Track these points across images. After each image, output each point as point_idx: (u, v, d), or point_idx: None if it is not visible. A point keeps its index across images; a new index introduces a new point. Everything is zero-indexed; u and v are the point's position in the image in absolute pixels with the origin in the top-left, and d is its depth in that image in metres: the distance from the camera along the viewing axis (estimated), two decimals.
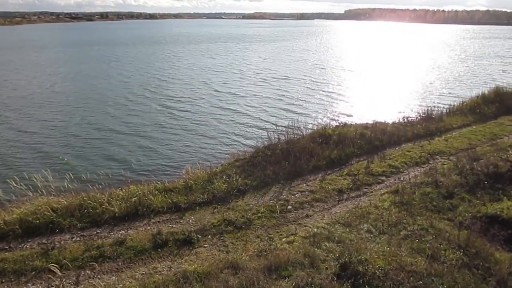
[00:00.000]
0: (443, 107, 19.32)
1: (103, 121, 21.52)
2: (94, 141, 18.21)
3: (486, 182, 10.19)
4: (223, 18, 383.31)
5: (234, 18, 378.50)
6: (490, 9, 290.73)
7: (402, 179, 11.09)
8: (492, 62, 49.58)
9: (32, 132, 19.51)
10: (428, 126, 15.83)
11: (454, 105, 19.37)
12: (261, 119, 22.02)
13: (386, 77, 37.77)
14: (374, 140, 13.95)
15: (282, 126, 14.84)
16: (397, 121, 16.43)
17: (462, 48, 70.84)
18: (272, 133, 13.60)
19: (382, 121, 16.16)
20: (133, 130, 19.91)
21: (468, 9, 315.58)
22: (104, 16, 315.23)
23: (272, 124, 19.99)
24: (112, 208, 9.09)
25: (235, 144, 17.62)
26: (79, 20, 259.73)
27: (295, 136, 13.49)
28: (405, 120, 16.55)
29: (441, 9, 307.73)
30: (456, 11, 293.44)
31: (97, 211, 9.01)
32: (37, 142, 18.07)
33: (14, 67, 43.65)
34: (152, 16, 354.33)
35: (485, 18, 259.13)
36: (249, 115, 22.96)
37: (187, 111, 24.06)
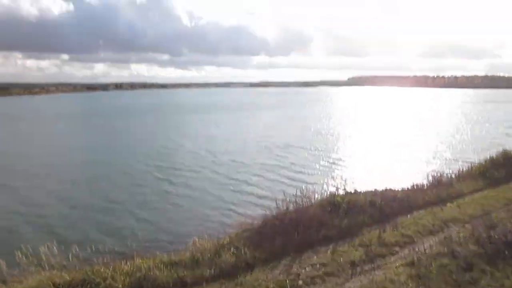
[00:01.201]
0: (452, 172, 19.11)
1: (107, 193, 21.39)
2: (99, 212, 18.00)
3: (506, 252, 9.73)
4: (231, 87, 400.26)
5: (241, 87, 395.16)
6: (489, 74, 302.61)
7: (417, 249, 10.65)
8: (495, 126, 50.22)
9: (37, 204, 19.43)
10: (438, 192, 15.60)
11: (462, 169, 19.27)
12: (268, 187, 21.83)
13: (390, 142, 38.16)
14: (385, 207, 13.70)
15: (290, 195, 14.63)
16: (406, 187, 16.25)
17: (464, 112, 72.35)
18: (280, 201, 13.43)
19: (391, 187, 15.97)
20: (138, 201, 19.75)
21: (467, 74, 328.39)
22: (118, 86, 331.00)
23: (279, 192, 19.79)
24: (116, 284, 8.76)
25: (243, 214, 17.28)
26: (94, 90, 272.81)
27: (304, 204, 13.32)
28: (415, 186, 16.38)
29: (441, 75, 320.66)
30: (455, 77, 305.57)
31: (101, 287, 8.69)
32: (42, 214, 17.90)
33: (20, 138, 44.91)
34: (163, 86, 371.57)
35: (484, 83, 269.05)
36: (255, 184, 22.80)
37: (192, 180, 23.92)
